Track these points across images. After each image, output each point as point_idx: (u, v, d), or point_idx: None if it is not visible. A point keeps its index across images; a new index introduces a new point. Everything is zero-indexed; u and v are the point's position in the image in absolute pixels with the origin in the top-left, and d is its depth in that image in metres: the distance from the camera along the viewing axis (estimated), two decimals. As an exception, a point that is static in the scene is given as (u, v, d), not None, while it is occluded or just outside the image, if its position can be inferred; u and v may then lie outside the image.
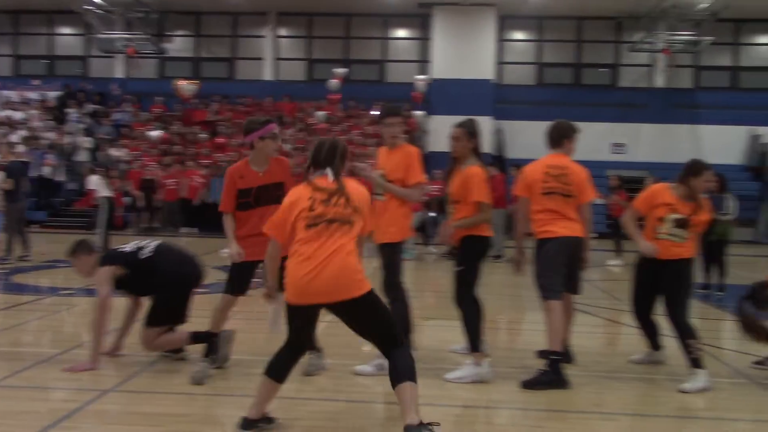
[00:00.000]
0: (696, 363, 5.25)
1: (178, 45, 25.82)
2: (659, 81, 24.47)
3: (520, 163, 5.83)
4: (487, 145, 18.99)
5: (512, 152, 21.49)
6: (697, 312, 5.44)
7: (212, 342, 5.23)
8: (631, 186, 14.55)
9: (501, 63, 24.46)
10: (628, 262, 7.35)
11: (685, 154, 5.65)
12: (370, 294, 3.90)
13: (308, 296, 3.82)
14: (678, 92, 24.21)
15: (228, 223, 5.22)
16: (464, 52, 23.31)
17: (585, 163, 5.57)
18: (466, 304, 5.26)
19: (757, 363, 5.95)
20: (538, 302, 5.47)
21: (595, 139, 21.01)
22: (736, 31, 24.28)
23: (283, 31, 25.75)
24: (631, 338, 6.46)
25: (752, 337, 5.53)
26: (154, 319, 5.30)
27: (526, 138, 18.65)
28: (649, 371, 5.78)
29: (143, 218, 19.30)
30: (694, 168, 5.47)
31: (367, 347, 5.48)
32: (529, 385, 5.10)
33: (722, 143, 22.33)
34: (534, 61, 25.13)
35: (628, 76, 24.74)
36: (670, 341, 5.70)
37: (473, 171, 5.23)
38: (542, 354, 5.28)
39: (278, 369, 4.00)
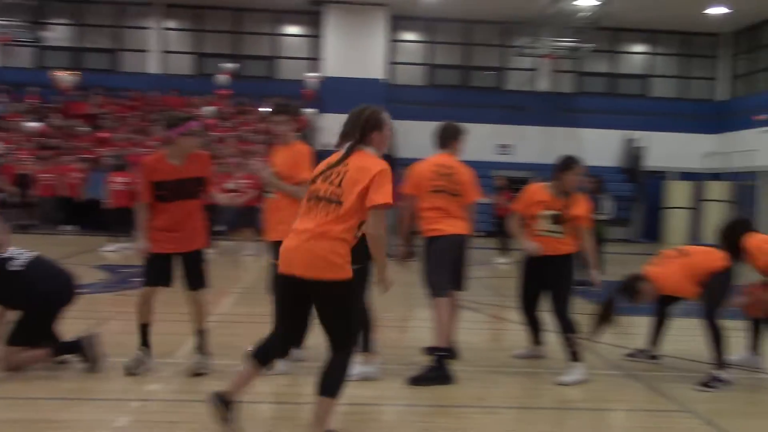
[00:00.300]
0: (575, 356, 5.49)
1: (58, 33, 24.59)
2: (543, 85, 25.40)
3: (409, 163, 5.90)
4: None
5: (402, 152, 21.66)
6: (573, 307, 5.67)
7: (81, 349, 5.10)
8: (517, 186, 14.97)
9: (393, 63, 24.70)
10: (515, 260, 7.58)
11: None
12: (343, 285, 3.69)
13: (290, 267, 3.72)
14: (560, 96, 25.19)
15: (141, 214, 5.13)
16: (356, 50, 23.41)
17: (472, 164, 5.71)
18: (360, 303, 5.26)
19: (630, 355, 6.29)
20: (424, 299, 5.55)
21: (482, 140, 21.53)
22: (614, 39, 25.50)
23: (170, 23, 24.99)
24: (515, 334, 6.67)
25: (597, 327, 5.70)
26: (17, 337, 4.95)
27: (417, 138, 18.81)
28: (531, 365, 5.98)
29: (18, 215, 18.25)
30: (564, 163, 5.70)
31: (250, 347, 5.40)
32: (416, 381, 5.18)
33: (600, 146, 23.39)
34: (425, 62, 25.51)
35: (514, 80, 25.52)
36: (551, 336, 5.92)
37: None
38: (429, 350, 5.38)
39: (264, 353, 3.91)
